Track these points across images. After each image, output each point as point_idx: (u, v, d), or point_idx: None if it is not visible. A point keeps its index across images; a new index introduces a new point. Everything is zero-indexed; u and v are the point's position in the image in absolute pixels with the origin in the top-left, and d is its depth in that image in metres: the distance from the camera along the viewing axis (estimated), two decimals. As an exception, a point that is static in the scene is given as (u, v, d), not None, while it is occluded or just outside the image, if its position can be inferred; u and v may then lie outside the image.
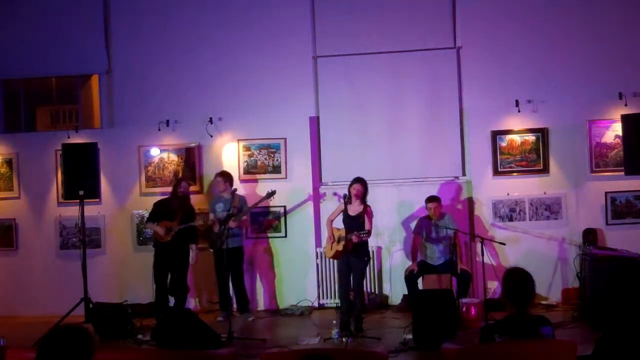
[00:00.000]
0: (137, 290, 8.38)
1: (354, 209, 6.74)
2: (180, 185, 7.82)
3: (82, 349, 2.81)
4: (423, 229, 7.60)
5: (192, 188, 8.51)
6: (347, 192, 6.88)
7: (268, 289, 8.45)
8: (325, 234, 7.33)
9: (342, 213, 6.86)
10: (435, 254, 7.52)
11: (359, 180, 6.80)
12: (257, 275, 8.47)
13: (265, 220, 8.43)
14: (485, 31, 8.34)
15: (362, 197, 6.77)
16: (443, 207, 7.64)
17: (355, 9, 8.54)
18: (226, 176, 7.91)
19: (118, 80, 8.91)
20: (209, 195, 8.56)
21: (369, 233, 6.60)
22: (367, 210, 6.74)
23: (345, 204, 6.81)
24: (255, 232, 8.43)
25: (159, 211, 7.76)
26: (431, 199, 7.55)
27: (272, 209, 8.40)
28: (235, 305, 7.88)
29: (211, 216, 7.83)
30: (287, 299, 8.40)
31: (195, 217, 7.86)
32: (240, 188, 8.11)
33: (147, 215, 8.02)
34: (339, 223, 6.93)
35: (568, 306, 7.58)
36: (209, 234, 7.91)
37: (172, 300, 7.74)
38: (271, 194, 7.74)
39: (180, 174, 8.55)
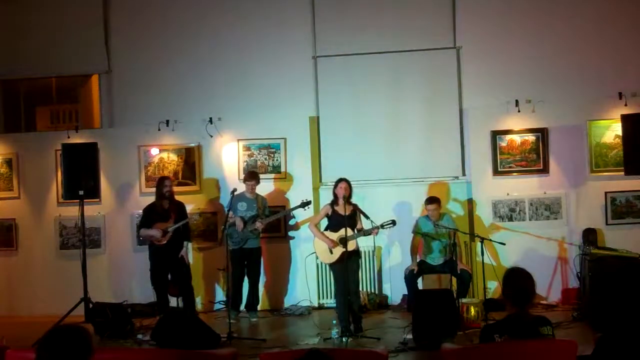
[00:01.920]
0: (137, 290, 8.39)
1: (344, 208, 6.68)
2: (164, 184, 7.70)
3: (81, 348, 2.81)
4: (423, 228, 7.59)
5: (191, 188, 8.53)
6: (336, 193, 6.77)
7: (268, 289, 8.45)
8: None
9: (328, 216, 6.78)
10: (434, 254, 7.51)
11: (345, 180, 6.75)
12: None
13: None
14: (485, 31, 8.34)
15: (350, 196, 6.73)
16: (442, 207, 7.64)
17: (355, 9, 8.54)
18: (257, 178, 7.86)
19: (118, 80, 8.91)
20: (206, 194, 8.56)
21: (393, 222, 6.63)
22: (359, 208, 6.73)
23: (332, 205, 6.77)
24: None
25: (150, 215, 7.66)
26: (431, 200, 7.55)
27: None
28: (243, 305, 7.87)
29: (231, 214, 7.69)
30: (287, 299, 8.41)
31: (187, 214, 7.81)
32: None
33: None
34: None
35: (568, 306, 7.58)
36: (230, 232, 7.72)
37: (172, 301, 7.74)
38: (306, 203, 7.71)
39: (180, 174, 8.56)
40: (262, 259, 7.93)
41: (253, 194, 7.78)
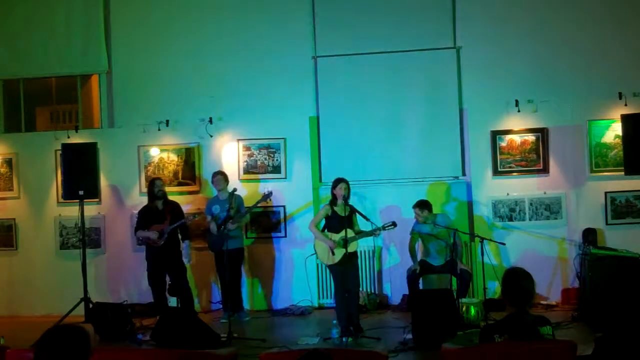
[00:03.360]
0: (137, 290, 8.40)
1: (342, 209, 6.65)
2: (155, 185, 7.67)
3: (79, 348, 2.80)
4: (420, 229, 7.58)
5: (191, 188, 8.54)
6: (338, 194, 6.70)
7: (268, 288, 8.45)
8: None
9: (327, 216, 6.73)
10: (433, 254, 7.50)
11: (344, 180, 6.71)
12: (257, 275, 8.47)
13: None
14: (485, 31, 8.35)
15: (348, 197, 6.70)
16: (432, 208, 7.57)
17: (355, 9, 8.54)
18: (225, 175, 7.87)
19: (118, 80, 8.92)
20: (206, 194, 8.55)
21: (394, 224, 6.60)
22: (356, 209, 6.71)
23: (332, 206, 6.75)
24: (256, 232, 8.43)
25: (147, 217, 7.63)
26: (415, 204, 7.52)
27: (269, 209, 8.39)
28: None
29: (208, 218, 7.77)
30: (287, 299, 8.41)
31: (184, 214, 7.78)
32: (241, 188, 8.09)
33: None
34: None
35: (568, 306, 7.58)
36: (207, 235, 7.89)
37: (171, 301, 7.73)
38: (267, 195, 7.67)
39: (180, 174, 8.57)
40: (243, 260, 7.91)
41: (224, 194, 7.68)
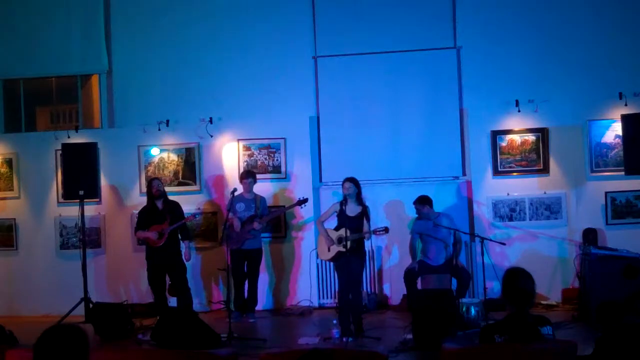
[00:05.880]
0: (137, 290, 8.40)
1: (352, 209, 6.70)
2: (152, 185, 7.66)
3: (77, 348, 2.80)
4: (420, 228, 7.58)
5: (191, 188, 8.53)
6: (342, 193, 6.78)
7: (268, 289, 8.44)
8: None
9: (336, 214, 6.78)
10: (433, 254, 7.50)
11: (350, 179, 6.74)
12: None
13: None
14: (485, 31, 8.36)
15: (357, 196, 6.73)
16: (433, 204, 7.59)
17: (355, 9, 8.55)
18: (255, 177, 7.87)
19: (118, 80, 8.93)
20: (206, 194, 8.56)
21: (386, 230, 6.62)
22: (366, 211, 6.72)
23: (341, 205, 6.77)
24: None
25: (146, 218, 7.61)
26: (415, 201, 7.53)
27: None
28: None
29: (230, 215, 7.70)
30: (287, 299, 8.40)
31: (184, 214, 7.76)
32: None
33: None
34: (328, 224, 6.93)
35: (568, 306, 7.58)
36: (227, 233, 7.72)
37: (172, 301, 7.73)
38: (303, 201, 7.68)
39: (180, 174, 8.57)
40: (262, 260, 7.90)
41: (251, 194, 7.75)
